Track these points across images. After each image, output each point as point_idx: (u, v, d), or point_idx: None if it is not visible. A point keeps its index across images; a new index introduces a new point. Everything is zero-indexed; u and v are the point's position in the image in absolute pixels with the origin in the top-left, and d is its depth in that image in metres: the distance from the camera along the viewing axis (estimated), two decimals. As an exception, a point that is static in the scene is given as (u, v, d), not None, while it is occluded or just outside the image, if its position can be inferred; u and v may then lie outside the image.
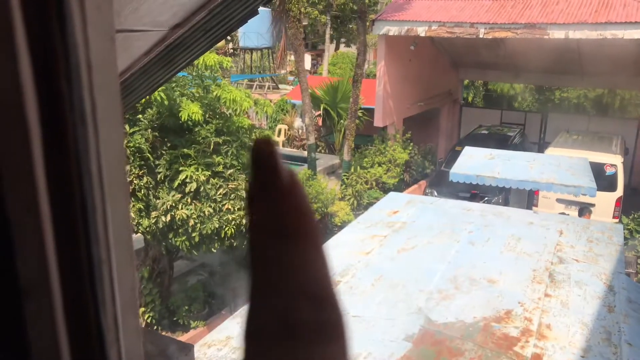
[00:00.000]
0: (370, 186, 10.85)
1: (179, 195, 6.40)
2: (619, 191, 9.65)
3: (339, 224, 9.20)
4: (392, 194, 7.15)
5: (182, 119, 6.31)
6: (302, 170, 10.29)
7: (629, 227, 8.55)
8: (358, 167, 11.17)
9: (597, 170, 8.33)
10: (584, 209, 9.05)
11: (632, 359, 3.71)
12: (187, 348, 2.76)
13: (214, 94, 6.73)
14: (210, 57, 6.67)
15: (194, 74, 7.00)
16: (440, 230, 5.78)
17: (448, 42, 12.74)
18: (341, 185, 11.15)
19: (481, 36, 10.33)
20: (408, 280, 4.57)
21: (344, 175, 11.26)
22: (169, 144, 6.60)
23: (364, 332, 3.73)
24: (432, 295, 4.34)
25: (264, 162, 0.29)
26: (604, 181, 9.03)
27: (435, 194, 10.50)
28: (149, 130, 6.50)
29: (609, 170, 9.62)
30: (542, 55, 12.31)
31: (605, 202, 9.39)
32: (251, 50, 21.69)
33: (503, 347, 3.73)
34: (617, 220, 9.29)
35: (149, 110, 6.59)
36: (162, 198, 6.39)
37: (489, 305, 4.15)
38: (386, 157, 11.37)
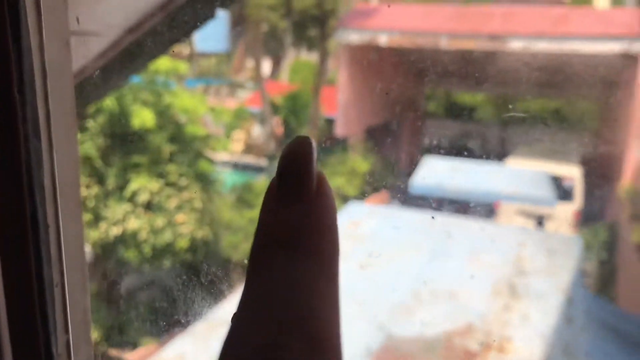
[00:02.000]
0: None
1: (131, 206, 6.16)
2: (577, 202, 9.83)
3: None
4: (353, 204, 7.09)
5: (134, 127, 6.09)
6: (259, 180, 10.13)
7: (586, 238, 8.71)
8: (319, 177, 11.07)
9: (556, 181, 8.49)
10: (544, 220, 9.16)
11: None
12: None
13: (166, 100, 6.54)
14: (164, 62, 6.47)
15: (146, 79, 6.78)
16: (402, 243, 5.73)
17: (410, 51, 12.83)
18: (301, 195, 11.01)
19: (443, 46, 10.43)
20: (369, 294, 4.51)
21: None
22: (120, 152, 6.36)
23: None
24: (394, 310, 4.31)
25: (297, 164, 0.26)
26: (563, 192, 9.20)
27: (397, 204, 10.47)
28: (100, 137, 6.24)
29: (567, 182, 9.81)
30: (502, 66, 12.52)
31: (564, 214, 9.55)
32: (208, 55, 21.46)
33: None
34: (575, 231, 9.45)
35: (99, 116, 6.33)
36: (112, 209, 6.13)
37: (451, 319, 4.13)
38: (347, 167, 11.32)
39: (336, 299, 0.27)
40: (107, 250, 6.28)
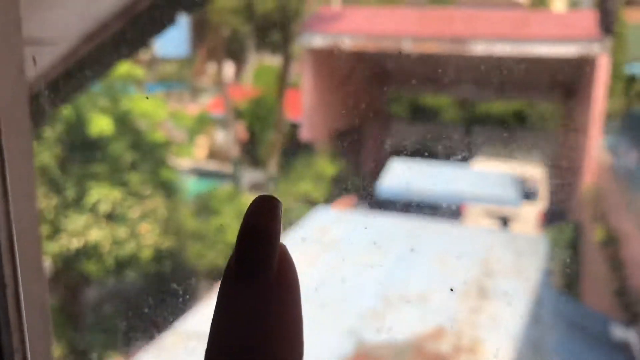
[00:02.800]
0: (298, 201, 10.70)
1: (91, 217, 5.96)
2: (542, 202, 10.02)
3: (266, 241, 8.95)
4: (320, 209, 7.05)
5: (92, 134, 5.91)
6: (224, 187, 9.98)
7: (551, 238, 8.88)
8: (285, 182, 10.99)
9: (521, 182, 8.64)
10: (509, 221, 9.30)
11: None
12: None
13: (124, 106, 6.37)
14: (122, 67, 6.30)
15: (104, 85, 6.60)
16: (370, 246, 5.68)
17: (374, 54, 12.90)
18: (268, 200, 10.91)
19: (407, 49, 10.51)
20: (338, 299, 4.48)
21: (271, 191, 11.05)
22: (78, 161, 6.16)
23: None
24: (364, 314, 4.28)
25: (256, 242, 0.24)
26: (528, 193, 9.36)
27: (364, 208, 10.47)
28: (57, 146, 6.04)
29: (531, 183, 9.99)
30: (466, 69, 12.71)
31: (530, 214, 9.72)
32: (168, 59, 21.11)
33: None
34: (540, 231, 9.63)
35: (56, 125, 6.12)
36: (73, 220, 5.92)
37: (421, 323, 4.13)
38: (313, 172, 11.28)
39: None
40: (67, 263, 6.06)
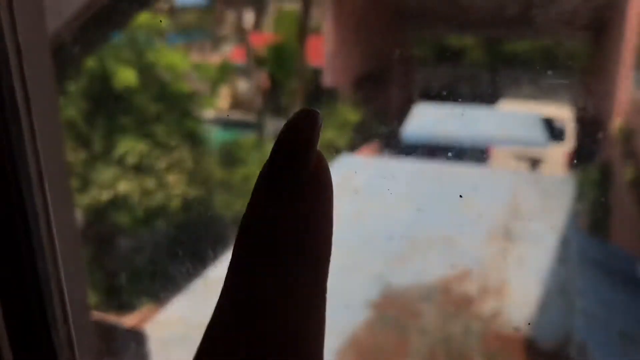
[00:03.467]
0: (322, 149, 10.71)
1: (120, 169, 6.09)
2: (570, 143, 9.83)
3: (292, 189, 9.06)
4: (345, 156, 7.06)
5: (117, 85, 5.95)
6: (248, 136, 10.05)
7: (579, 178, 8.76)
8: (309, 129, 11.00)
9: (548, 123, 8.47)
10: (537, 163, 9.18)
11: (586, 308, 3.83)
12: (140, 338, 2.58)
13: (150, 58, 6.37)
14: (144, 17, 6.27)
15: (127, 36, 6.59)
16: (396, 192, 5.69)
17: (396, -5, 12.54)
18: (292, 148, 10.98)
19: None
20: (365, 245, 4.55)
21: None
22: (104, 114, 6.23)
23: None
24: (391, 258, 4.36)
25: (292, 151, 0.24)
26: (555, 134, 9.21)
27: (389, 154, 10.46)
28: (82, 100, 6.10)
29: (559, 124, 9.78)
30: (491, 5, 12.28)
31: (557, 155, 9.58)
32: (187, 8, 20.87)
33: (463, 306, 3.79)
34: (568, 172, 9.51)
35: (80, 79, 6.16)
36: (101, 172, 6.06)
37: (447, 266, 4.19)
38: (337, 119, 11.22)
39: (324, 313, 0.24)
40: (98, 215, 6.24)
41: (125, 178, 6.07)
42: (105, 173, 6.05)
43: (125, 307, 6.44)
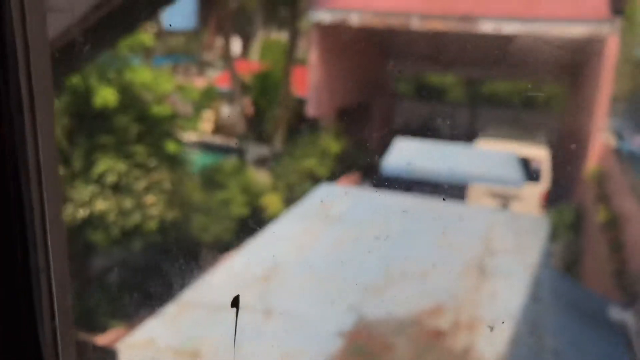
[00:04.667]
0: (302, 177, 10.73)
1: (97, 188, 6.02)
2: (545, 183, 10.04)
3: (270, 216, 9.03)
4: (325, 185, 7.08)
5: (96, 105, 5.92)
6: (231, 161, 10.00)
7: (552, 218, 8.90)
8: (290, 158, 11.01)
9: (524, 163, 8.63)
10: (512, 201, 9.31)
11: (556, 347, 3.85)
12: (111, 356, 2.58)
13: (132, 77, 6.35)
14: (131, 38, 6.28)
15: (110, 56, 6.58)
16: (373, 223, 5.75)
17: (381, 32, 12.78)
18: (272, 176, 10.96)
19: (414, 27, 10.40)
20: (341, 275, 4.54)
21: (276, 166, 11.07)
22: (85, 133, 6.19)
23: (295, 329, 3.65)
24: (365, 290, 4.34)
25: None
26: (530, 174, 9.37)
27: (368, 185, 10.51)
28: (64, 117, 6.07)
29: (535, 164, 9.99)
30: (473, 48, 12.59)
31: (532, 194, 9.75)
32: (176, 32, 20.90)
33: (435, 341, 3.77)
34: (542, 212, 9.67)
35: (63, 95, 6.14)
36: (79, 190, 5.99)
37: (421, 299, 4.18)
38: (319, 148, 11.29)
39: None
40: (74, 232, 6.15)
41: (103, 197, 6.00)
42: (83, 191, 5.97)
43: (96, 326, 6.30)
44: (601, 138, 9.23)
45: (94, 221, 5.96)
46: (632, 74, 16.95)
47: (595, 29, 9.04)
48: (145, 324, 3.89)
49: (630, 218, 6.89)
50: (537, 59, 12.58)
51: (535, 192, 10.29)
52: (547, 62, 13.27)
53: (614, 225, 7.26)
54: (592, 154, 9.22)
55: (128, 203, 5.99)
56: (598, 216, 7.51)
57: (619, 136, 8.66)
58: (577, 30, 9.17)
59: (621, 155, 7.96)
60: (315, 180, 10.93)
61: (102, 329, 6.60)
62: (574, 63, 13.39)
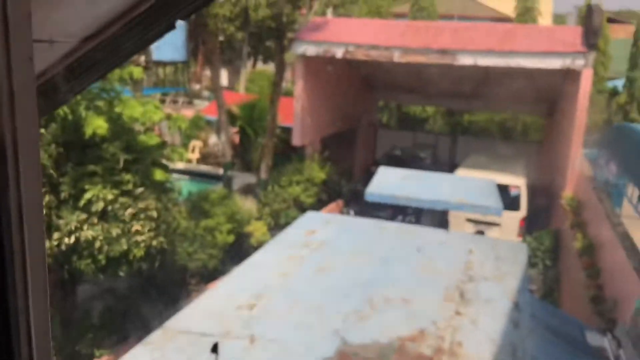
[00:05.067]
0: (287, 205, 10.80)
1: (85, 215, 6.02)
2: (523, 211, 10.24)
3: (256, 244, 9.05)
4: (309, 213, 7.13)
5: (87, 134, 5.96)
6: (217, 189, 10.04)
7: (531, 245, 9.04)
8: (275, 186, 11.09)
9: (503, 191, 8.77)
10: (492, 228, 9.50)
11: None
12: None
13: (122, 108, 6.42)
14: (120, 69, 6.39)
15: (99, 86, 6.67)
16: (357, 250, 5.81)
17: (364, 64, 13.04)
18: (258, 204, 11.02)
19: (396, 60, 10.65)
20: (325, 301, 4.55)
21: (261, 194, 11.14)
22: (74, 161, 6.23)
23: (279, 356, 3.66)
24: (349, 316, 4.33)
25: None
26: (509, 201, 9.52)
27: (352, 213, 10.63)
28: (53, 145, 6.10)
29: (513, 191, 10.19)
30: (452, 80, 12.90)
31: (511, 222, 9.93)
32: (165, 63, 21.06)
33: None
34: (521, 238, 9.83)
35: (52, 124, 6.19)
36: (66, 218, 5.98)
37: (404, 325, 4.19)
38: (304, 176, 11.39)
39: None
40: (59, 260, 6.13)
41: (90, 224, 6.00)
42: (69, 219, 5.97)
43: (80, 357, 6.24)
44: (577, 167, 9.48)
45: (81, 249, 5.95)
46: (606, 104, 17.44)
47: (570, 62, 9.34)
48: (130, 352, 3.85)
49: (606, 245, 7.04)
50: (515, 91, 12.93)
51: (514, 219, 10.49)
52: (524, 93, 13.63)
53: (590, 251, 7.42)
54: (569, 182, 9.44)
55: (115, 230, 6.00)
56: (575, 243, 7.65)
57: (595, 165, 8.90)
58: (552, 64, 9.46)
59: (597, 183, 8.15)
60: (300, 207, 11.01)
61: (88, 358, 6.52)
62: (551, 95, 13.76)
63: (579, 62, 9.39)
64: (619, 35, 21.22)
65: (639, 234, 6.58)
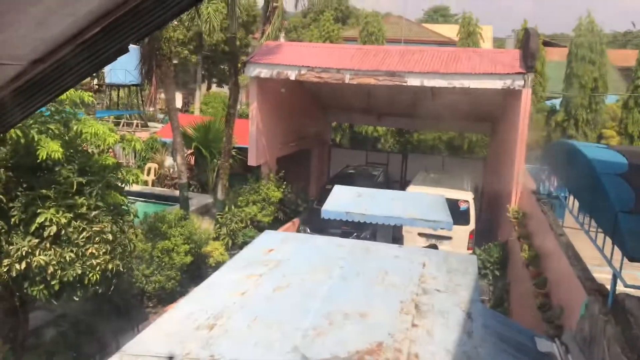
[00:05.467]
0: (245, 225, 10.80)
1: (36, 240, 5.87)
2: (472, 225, 10.58)
3: (214, 264, 9.01)
4: (266, 232, 7.16)
5: (41, 158, 5.85)
6: (174, 210, 9.93)
7: (480, 257, 9.32)
8: (232, 206, 11.08)
9: (452, 205, 9.03)
10: (443, 242, 9.77)
11: None
12: None
13: (75, 129, 6.32)
14: (71, 92, 6.31)
15: (52, 109, 6.56)
16: (314, 267, 5.86)
17: (317, 86, 13.29)
18: (215, 224, 10.96)
19: (347, 81, 10.92)
20: (284, 319, 4.56)
21: (218, 215, 11.10)
22: (25, 185, 6.09)
23: (240, 375, 3.66)
24: (307, 332, 4.35)
25: None
26: (459, 216, 9.82)
27: (309, 231, 10.72)
28: (2, 170, 5.96)
29: (462, 206, 10.54)
30: (401, 101, 13.29)
31: (461, 235, 10.24)
32: (118, 86, 20.75)
33: None
34: (471, 251, 10.14)
35: (1, 148, 6.05)
36: (17, 244, 5.82)
37: (362, 339, 4.24)
38: (260, 196, 11.43)
39: None
40: (9, 287, 5.94)
41: (42, 250, 5.85)
42: (21, 244, 5.82)
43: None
44: (521, 181, 9.91)
45: (33, 275, 5.79)
46: (545, 122, 18.26)
47: (510, 83, 9.83)
48: None
49: (551, 254, 7.33)
50: (460, 110, 13.42)
51: (463, 232, 10.83)
52: (469, 113, 14.17)
53: (536, 261, 7.74)
54: (514, 196, 9.86)
55: (69, 255, 5.87)
56: (522, 254, 7.95)
57: (537, 179, 9.31)
58: (494, 84, 9.94)
59: (540, 196, 8.52)
60: (257, 227, 11.03)
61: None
62: (494, 114, 14.34)
63: (519, 83, 9.88)
64: (554, 58, 22.30)
65: (581, 243, 6.85)
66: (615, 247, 4.73)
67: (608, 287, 5.18)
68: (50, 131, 6.37)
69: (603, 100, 18.55)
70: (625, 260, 4.62)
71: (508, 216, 9.44)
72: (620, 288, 4.96)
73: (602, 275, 6.21)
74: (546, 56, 18.62)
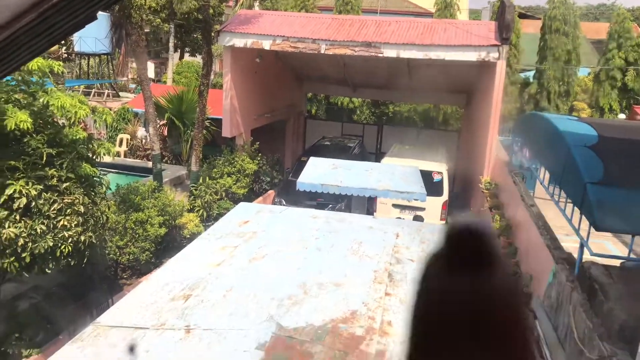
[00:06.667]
0: (219, 197, 10.75)
1: (6, 212, 5.76)
2: (445, 196, 10.73)
3: (188, 236, 8.98)
4: (242, 204, 7.16)
5: (9, 128, 5.69)
6: (147, 182, 9.82)
7: (454, 227, 9.45)
8: (207, 178, 11.00)
9: (426, 177, 9.12)
10: (417, 212, 9.88)
11: None
12: None
13: (41, 100, 6.16)
14: (37, 61, 6.12)
15: (19, 78, 6.36)
16: (289, 238, 5.91)
17: (292, 56, 13.13)
18: (189, 196, 10.90)
19: (322, 52, 10.82)
20: (259, 289, 4.61)
21: (192, 186, 11.02)
22: (-8, 156, 5.93)
23: (216, 345, 3.71)
24: (283, 302, 4.42)
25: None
26: (432, 187, 9.94)
27: (284, 202, 10.74)
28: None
29: (436, 177, 10.67)
30: (377, 72, 13.23)
31: (434, 206, 10.39)
32: (88, 55, 20.13)
33: (350, 346, 3.89)
34: (444, 221, 10.31)
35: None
36: (-15, 216, 5.70)
37: (336, 308, 4.33)
38: (235, 168, 11.37)
39: None
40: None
41: (12, 221, 5.75)
42: (-11, 216, 5.70)
43: (6, 358, 5.99)
44: (494, 153, 10.04)
45: (3, 247, 5.69)
46: (518, 94, 18.45)
47: (485, 55, 9.85)
48: (61, 351, 3.75)
49: (521, 224, 7.49)
50: (436, 82, 13.41)
51: (437, 203, 10.98)
52: (444, 85, 14.17)
53: (507, 231, 7.91)
54: (487, 168, 9.99)
55: (40, 227, 5.78)
56: (493, 224, 8.10)
57: (510, 150, 9.45)
58: (469, 56, 9.95)
59: (512, 168, 8.65)
60: (232, 198, 10.99)
61: (15, 358, 6.25)
62: (468, 86, 14.41)
63: (494, 55, 9.91)
64: (529, 30, 22.43)
65: (551, 213, 7.02)
66: (583, 217, 4.88)
67: (575, 255, 5.34)
68: (17, 101, 6.20)
69: (575, 73, 18.77)
70: (593, 229, 4.76)
71: (480, 187, 9.58)
72: (587, 257, 5.12)
73: (570, 245, 6.39)
74: (521, 28, 18.70)
